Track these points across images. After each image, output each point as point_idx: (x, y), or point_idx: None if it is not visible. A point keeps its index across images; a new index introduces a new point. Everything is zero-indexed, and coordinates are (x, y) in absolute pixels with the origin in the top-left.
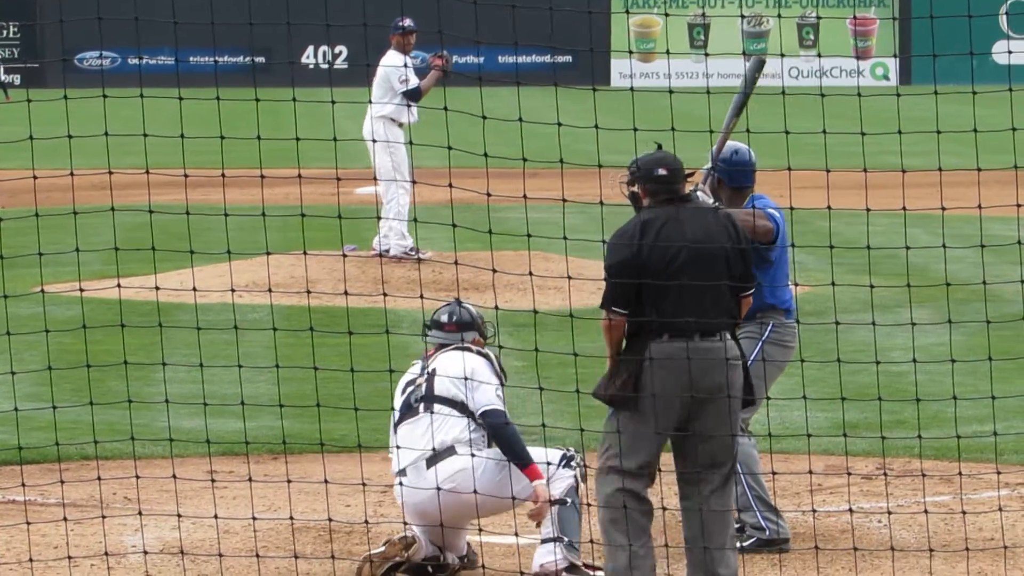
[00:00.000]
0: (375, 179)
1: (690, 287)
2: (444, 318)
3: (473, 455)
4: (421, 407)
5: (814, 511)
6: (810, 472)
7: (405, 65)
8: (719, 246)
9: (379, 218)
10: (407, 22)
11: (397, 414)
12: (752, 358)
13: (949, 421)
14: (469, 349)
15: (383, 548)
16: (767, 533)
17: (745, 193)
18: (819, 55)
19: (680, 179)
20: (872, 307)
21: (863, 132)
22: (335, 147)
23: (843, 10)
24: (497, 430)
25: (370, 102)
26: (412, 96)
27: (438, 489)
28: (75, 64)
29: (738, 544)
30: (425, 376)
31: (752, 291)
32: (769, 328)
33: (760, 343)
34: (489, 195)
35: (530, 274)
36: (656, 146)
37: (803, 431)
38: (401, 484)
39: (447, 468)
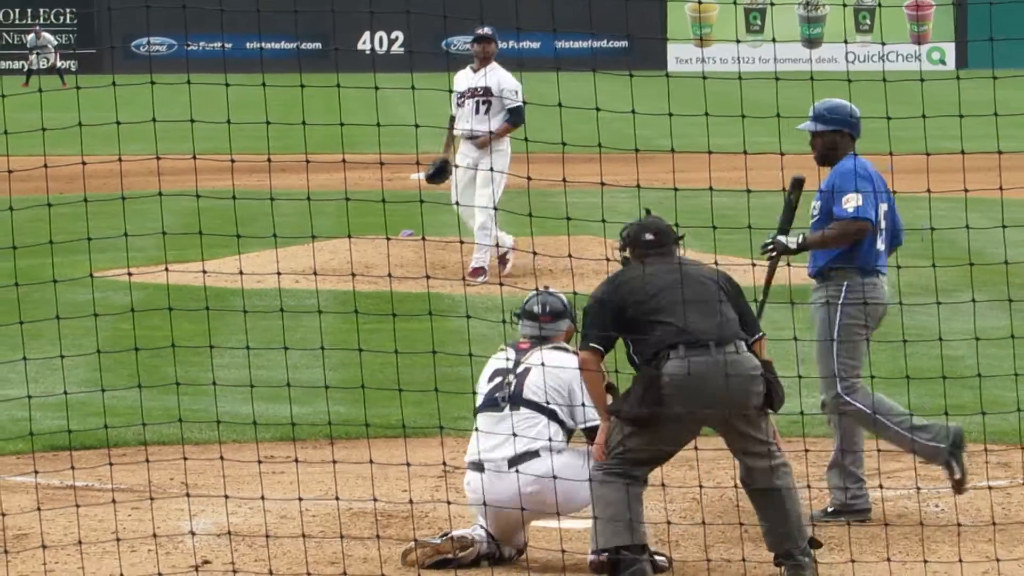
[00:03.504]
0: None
1: (692, 303)
2: (536, 308)
3: (554, 452)
4: (507, 407)
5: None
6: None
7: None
8: (711, 279)
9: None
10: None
11: (481, 399)
12: (837, 326)
13: (1010, 404)
14: (567, 349)
15: (439, 541)
16: (837, 502)
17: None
18: (847, 41)
19: (667, 241)
20: (916, 290)
21: (889, 116)
22: (378, 132)
23: None
24: None
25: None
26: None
27: (519, 494)
28: (132, 50)
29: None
30: (516, 373)
31: (762, 336)
32: (843, 290)
33: (839, 308)
34: (529, 179)
35: (569, 256)
36: (645, 212)
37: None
38: (477, 476)
39: (530, 471)
